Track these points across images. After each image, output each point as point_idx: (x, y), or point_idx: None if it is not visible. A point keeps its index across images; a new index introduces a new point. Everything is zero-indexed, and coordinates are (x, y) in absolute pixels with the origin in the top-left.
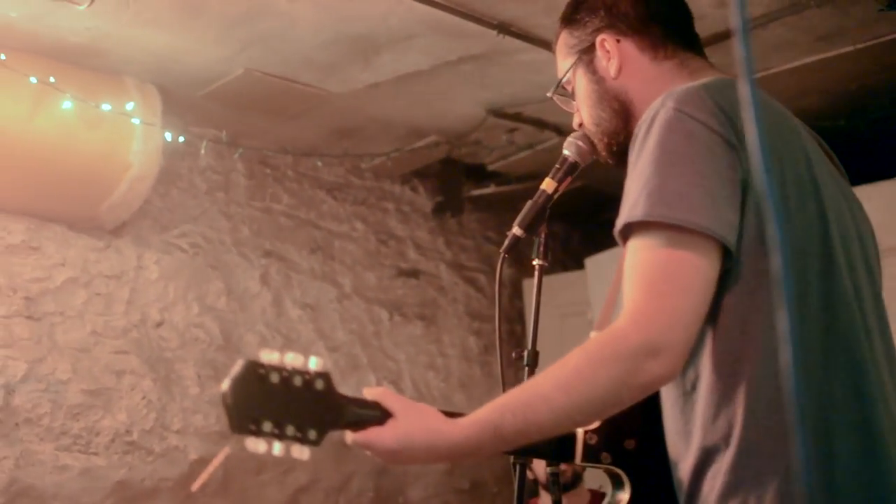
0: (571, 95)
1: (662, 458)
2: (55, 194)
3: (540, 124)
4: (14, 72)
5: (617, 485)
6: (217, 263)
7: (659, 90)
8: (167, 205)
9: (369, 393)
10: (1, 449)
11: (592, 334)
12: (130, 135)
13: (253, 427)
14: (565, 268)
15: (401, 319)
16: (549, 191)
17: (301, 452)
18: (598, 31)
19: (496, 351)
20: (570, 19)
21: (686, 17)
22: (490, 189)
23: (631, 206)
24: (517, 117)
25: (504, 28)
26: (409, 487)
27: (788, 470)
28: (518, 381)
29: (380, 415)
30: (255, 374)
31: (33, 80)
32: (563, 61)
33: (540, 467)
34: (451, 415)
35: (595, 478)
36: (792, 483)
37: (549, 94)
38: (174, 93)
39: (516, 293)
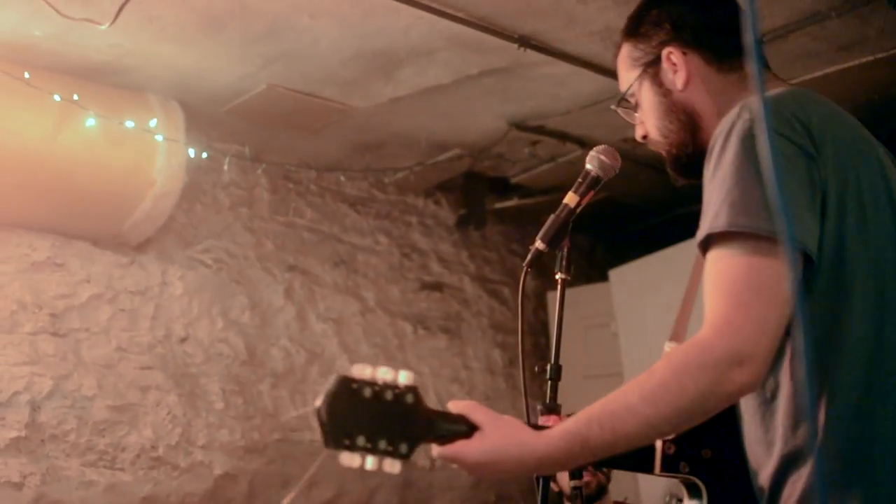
0: (634, 108)
1: (738, 467)
2: (79, 211)
3: (562, 137)
4: (38, 90)
5: (693, 494)
6: (241, 278)
7: (725, 102)
8: (191, 220)
9: (455, 406)
10: (27, 465)
11: (667, 346)
12: (154, 151)
13: (347, 442)
14: (589, 279)
15: (425, 333)
16: (572, 205)
17: (392, 466)
18: (663, 43)
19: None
20: (634, 32)
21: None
22: (513, 202)
23: (713, 217)
24: (540, 130)
25: (525, 42)
26: (435, 500)
27: (871, 477)
28: (542, 394)
29: (466, 429)
30: (347, 388)
31: (57, 97)
32: (627, 73)
33: (564, 480)
34: (535, 427)
35: (619, 490)
36: (874, 489)
37: (612, 107)
38: (197, 109)
39: (540, 305)
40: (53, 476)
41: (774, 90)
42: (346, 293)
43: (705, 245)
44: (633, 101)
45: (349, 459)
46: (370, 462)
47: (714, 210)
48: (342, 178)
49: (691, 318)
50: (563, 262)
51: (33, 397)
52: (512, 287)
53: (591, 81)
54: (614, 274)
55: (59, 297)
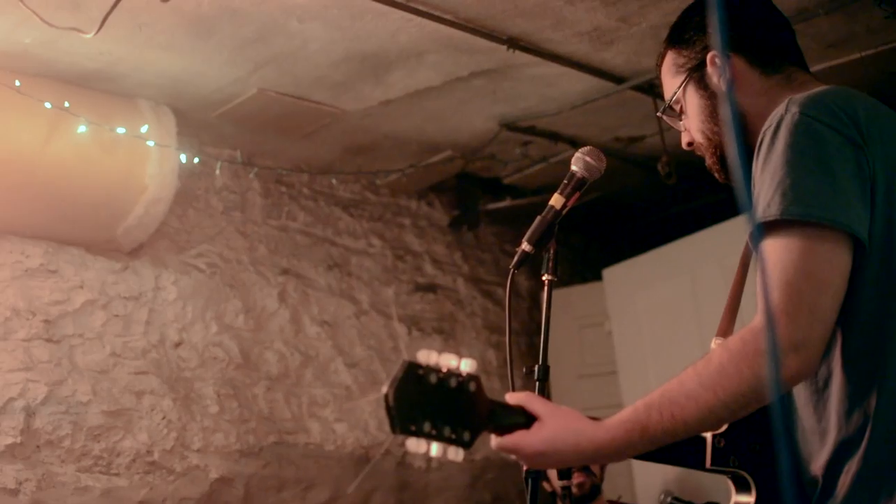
0: (679, 115)
1: None
2: (72, 218)
3: (554, 137)
4: (29, 97)
5: (741, 488)
6: (234, 282)
7: (769, 103)
8: (184, 225)
9: (512, 398)
10: (23, 471)
11: (714, 342)
12: (146, 157)
13: (413, 428)
14: (583, 279)
15: (419, 334)
16: (558, 206)
17: (456, 454)
18: (708, 47)
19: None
20: (678, 39)
21: (790, 32)
22: (506, 202)
23: (765, 206)
24: (531, 130)
25: (514, 43)
26: (431, 501)
27: None
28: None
29: (524, 419)
30: (414, 374)
31: (48, 105)
32: (672, 80)
33: (556, 479)
34: (594, 419)
35: (614, 488)
36: None
37: (658, 114)
38: (188, 114)
39: (535, 305)
40: (49, 482)
41: (816, 88)
42: (339, 296)
43: (757, 235)
44: (677, 108)
45: (416, 445)
46: (435, 449)
47: (766, 200)
48: (334, 181)
49: (739, 312)
50: (550, 264)
51: (28, 403)
52: (505, 287)
53: (580, 81)
54: (608, 273)
55: (52, 303)
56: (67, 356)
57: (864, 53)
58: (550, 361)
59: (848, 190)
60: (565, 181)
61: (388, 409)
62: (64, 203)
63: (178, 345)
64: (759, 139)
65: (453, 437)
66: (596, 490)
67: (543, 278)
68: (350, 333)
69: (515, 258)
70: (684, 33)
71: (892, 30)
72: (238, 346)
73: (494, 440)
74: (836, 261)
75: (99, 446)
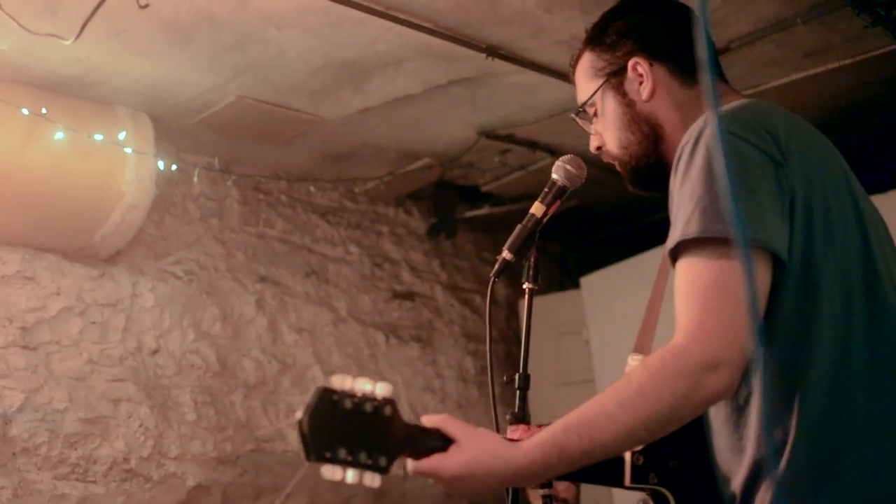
0: (591, 118)
1: (705, 477)
2: (49, 225)
3: (532, 145)
4: (6, 103)
5: None
6: (212, 290)
7: (688, 114)
8: (161, 232)
9: (429, 420)
10: None
11: (632, 358)
12: (123, 164)
13: (329, 454)
14: (561, 287)
15: (397, 342)
16: (538, 215)
17: (372, 480)
18: (630, 54)
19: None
20: (597, 41)
21: (711, 43)
22: (484, 210)
23: (684, 223)
24: (509, 138)
25: (493, 51)
26: None
27: (839, 480)
28: (513, 402)
29: (441, 443)
30: (328, 400)
31: (25, 111)
32: (588, 83)
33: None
34: (511, 441)
35: (592, 497)
36: (842, 493)
37: (572, 115)
38: (166, 121)
39: (513, 314)
40: (25, 489)
41: (735, 102)
42: (317, 303)
43: (675, 253)
44: (591, 111)
45: (331, 472)
46: (350, 475)
47: (685, 217)
48: (312, 189)
49: (657, 329)
50: (530, 272)
51: (4, 411)
52: (483, 295)
53: (559, 90)
54: (586, 281)
55: (29, 310)
56: (44, 363)
57: (843, 62)
58: (528, 371)
59: (767, 207)
60: (546, 189)
61: (303, 436)
62: (41, 210)
63: (155, 352)
64: (678, 153)
65: (370, 462)
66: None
67: (524, 286)
68: (328, 341)
69: (496, 266)
70: (605, 36)
71: (869, 39)
72: (215, 353)
73: (411, 464)
74: (755, 279)
75: (76, 454)
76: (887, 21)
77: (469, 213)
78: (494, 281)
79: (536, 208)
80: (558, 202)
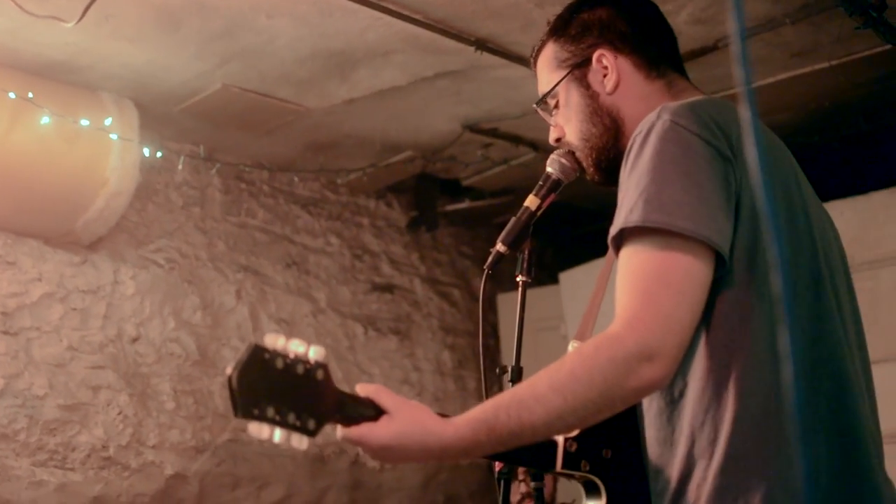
0: (551, 109)
1: (637, 468)
2: (32, 209)
3: (515, 140)
4: None
5: (592, 493)
6: (193, 278)
7: (649, 108)
8: (143, 220)
9: (363, 389)
10: None
11: (572, 345)
12: (107, 150)
13: (256, 412)
14: (539, 282)
15: (375, 334)
16: (533, 208)
17: (300, 442)
18: (594, 46)
19: (472, 365)
20: (562, 33)
21: (673, 38)
22: (465, 204)
23: (627, 212)
24: (493, 133)
25: (482, 45)
26: (384, 501)
27: (774, 477)
28: (492, 395)
29: (373, 412)
30: (260, 358)
31: (12, 95)
32: (550, 74)
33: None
34: (443, 416)
35: (568, 492)
36: (777, 489)
37: (534, 106)
38: (150, 108)
39: (490, 308)
40: (3, 475)
41: (692, 98)
42: (297, 294)
43: (618, 241)
44: (552, 102)
45: (258, 430)
46: (278, 435)
47: (629, 206)
48: (295, 179)
49: (598, 318)
50: (524, 265)
51: None
52: (462, 289)
53: None
54: (564, 277)
55: (10, 295)
56: (24, 349)
57: (830, 63)
58: (506, 363)
59: (712, 202)
60: (540, 182)
61: (232, 392)
62: (24, 194)
63: (135, 340)
64: (630, 143)
65: (298, 423)
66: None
67: (518, 279)
68: (307, 332)
69: (490, 258)
70: (569, 28)
71: (857, 40)
72: (195, 342)
73: (340, 431)
74: (695, 272)
75: (54, 440)
76: (878, 23)
77: (450, 207)
78: (488, 274)
79: (531, 201)
80: (553, 195)
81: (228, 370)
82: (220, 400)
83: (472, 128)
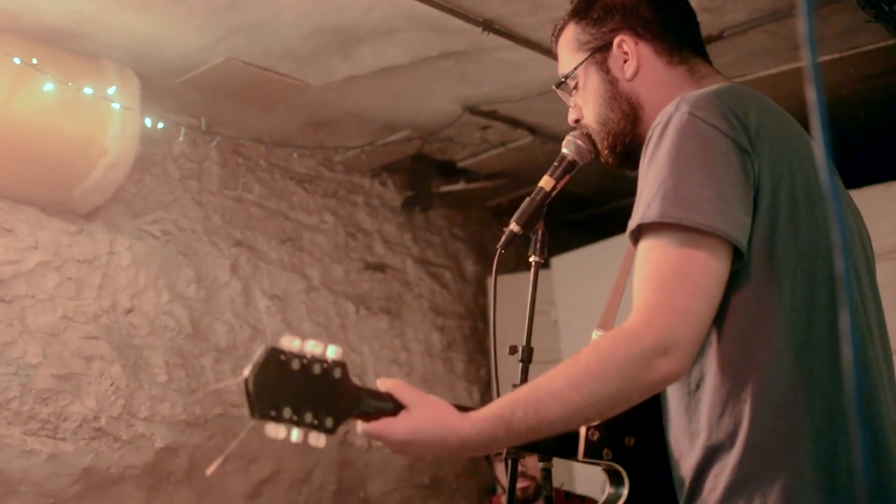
0: (571, 90)
1: (660, 457)
2: (30, 177)
3: (514, 123)
4: None
5: (615, 481)
6: (188, 251)
7: (669, 95)
8: (140, 191)
9: (383, 384)
10: None
11: (595, 334)
12: (108, 120)
13: (273, 413)
14: (530, 267)
15: (366, 313)
16: (548, 188)
17: (318, 440)
18: (616, 30)
19: (460, 347)
20: (584, 14)
21: (696, 24)
22: (460, 185)
23: (645, 207)
24: (492, 115)
25: (489, 25)
26: (371, 481)
27: (794, 469)
28: (479, 378)
29: (392, 406)
30: (276, 360)
31: (17, 60)
32: (571, 56)
33: (501, 470)
34: (462, 409)
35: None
36: (797, 481)
37: (553, 87)
38: (151, 79)
39: (480, 290)
40: None
41: (713, 85)
42: (291, 270)
43: (637, 235)
44: (572, 83)
45: (274, 431)
46: (295, 434)
47: (647, 200)
48: (294, 155)
49: (620, 307)
50: (538, 245)
51: None
52: (453, 271)
53: (547, 68)
54: (556, 262)
55: (6, 262)
56: (19, 317)
57: (832, 56)
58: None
59: (731, 196)
60: (556, 163)
61: (248, 394)
62: (23, 161)
63: (129, 311)
64: (649, 135)
65: (315, 422)
66: (538, 493)
67: (531, 259)
68: (299, 309)
69: (504, 238)
70: (592, 10)
71: (860, 34)
72: (189, 315)
73: (360, 426)
74: (713, 267)
75: (47, 410)
76: (890, 17)
77: (444, 188)
78: (500, 254)
79: (545, 182)
80: (568, 176)
81: (245, 373)
82: (212, 374)
83: (472, 109)
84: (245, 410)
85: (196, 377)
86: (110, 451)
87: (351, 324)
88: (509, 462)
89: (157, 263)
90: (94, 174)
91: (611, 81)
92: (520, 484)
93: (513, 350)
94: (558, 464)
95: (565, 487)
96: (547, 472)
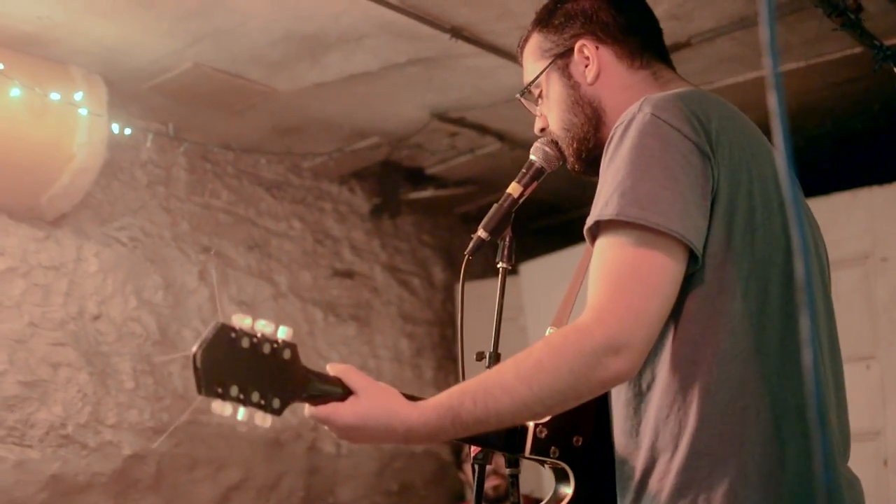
0: (536, 99)
1: (607, 457)
2: None
3: (482, 129)
4: None
5: (561, 480)
6: (155, 257)
7: (632, 99)
8: (108, 197)
9: (333, 369)
10: None
11: (549, 331)
12: (75, 126)
13: (220, 390)
14: (496, 273)
15: (335, 320)
16: (515, 195)
17: (263, 420)
18: (577, 36)
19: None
20: (546, 23)
21: (659, 29)
22: (428, 192)
23: (603, 204)
24: (460, 122)
25: (457, 32)
26: (339, 488)
27: (738, 473)
28: (447, 385)
29: (341, 391)
30: (226, 337)
31: None
32: (534, 64)
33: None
34: (412, 398)
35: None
36: (741, 485)
37: (517, 96)
38: (119, 85)
39: (448, 297)
40: None
41: (676, 89)
42: (258, 277)
43: (594, 232)
44: (536, 92)
45: (220, 408)
46: (241, 413)
47: (605, 198)
48: (262, 161)
49: (575, 306)
50: (505, 252)
51: None
52: (422, 278)
53: (515, 75)
54: (524, 268)
55: None
56: None
57: (798, 64)
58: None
59: (688, 199)
60: (524, 170)
61: (196, 369)
62: None
63: (96, 318)
64: (610, 135)
65: (262, 402)
66: (509, 492)
67: (499, 266)
68: (267, 315)
69: (471, 244)
70: (553, 18)
71: (827, 42)
72: (156, 322)
73: (308, 409)
74: (668, 268)
75: (13, 417)
76: (856, 25)
77: (413, 195)
78: (468, 260)
79: (513, 188)
80: (535, 183)
81: (193, 348)
82: (180, 381)
83: (440, 116)
84: (193, 388)
85: (164, 384)
86: (77, 459)
87: (319, 330)
88: (476, 467)
89: (125, 270)
90: (61, 180)
91: (573, 86)
92: (491, 482)
93: (480, 356)
94: (527, 469)
95: (535, 495)
96: (514, 479)
